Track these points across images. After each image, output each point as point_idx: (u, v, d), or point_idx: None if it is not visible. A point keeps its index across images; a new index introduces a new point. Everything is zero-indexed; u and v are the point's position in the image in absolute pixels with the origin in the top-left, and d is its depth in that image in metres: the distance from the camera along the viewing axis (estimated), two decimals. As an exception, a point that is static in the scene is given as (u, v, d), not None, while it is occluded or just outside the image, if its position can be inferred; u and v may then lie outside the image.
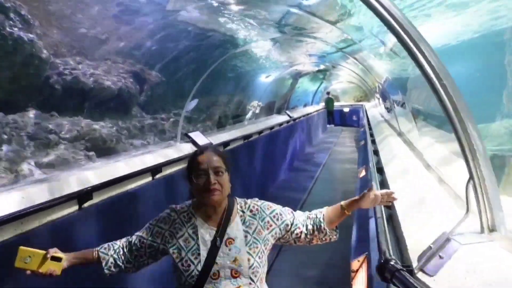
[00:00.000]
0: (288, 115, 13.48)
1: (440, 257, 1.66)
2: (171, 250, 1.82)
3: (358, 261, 2.74)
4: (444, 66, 1.63)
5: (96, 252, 1.88)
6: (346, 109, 25.69)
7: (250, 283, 1.78)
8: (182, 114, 5.96)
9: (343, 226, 2.07)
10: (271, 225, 1.91)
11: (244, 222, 1.88)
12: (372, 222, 2.85)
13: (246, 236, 1.84)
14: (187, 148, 5.79)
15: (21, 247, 1.65)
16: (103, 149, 4.85)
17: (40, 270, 1.66)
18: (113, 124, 5.27)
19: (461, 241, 1.71)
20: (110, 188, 3.81)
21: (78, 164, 4.37)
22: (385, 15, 1.66)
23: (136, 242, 1.90)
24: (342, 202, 1.99)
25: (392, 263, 1.69)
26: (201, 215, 1.88)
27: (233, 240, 1.82)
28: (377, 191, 1.95)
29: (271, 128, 10.52)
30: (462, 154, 1.70)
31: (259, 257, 1.82)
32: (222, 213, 1.87)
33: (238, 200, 1.98)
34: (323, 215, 1.99)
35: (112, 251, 1.89)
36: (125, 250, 1.91)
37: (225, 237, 1.82)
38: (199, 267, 1.75)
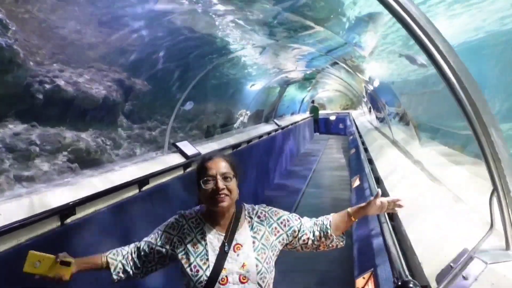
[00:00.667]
0: (276, 124, 13.35)
1: (464, 277, 1.51)
2: (179, 256, 1.82)
3: (364, 278, 2.58)
4: (465, 66, 1.49)
5: (105, 257, 1.86)
6: (333, 117, 25.73)
7: None
8: (169, 123, 5.76)
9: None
10: (278, 231, 1.92)
11: (252, 228, 1.89)
12: (375, 236, 2.70)
13: (254, 242, 1.84)
14: (175, 159, 5.58)
15: (31, 251, 1.64)
16: (87, 161, 4.60)
17: (50, 275, 1.65)
18: (97, 135, 5.03)
19: (486, 260, 1.55)
20: (94, 202, 3.59)
21: (61, 177, 4.12)
22: (399, 11, 1.51)
23: (144, 247, 1.90)
24: (349, 209, 1.99)
25: (411, 285, 1.52)
26: (209, 220, 1.89)
27: (241, 245, 1.82)
28: (383, 198, 1.94)
29: (260, 137, 10.37)
30: (485, 163, 1.55)
31: (267, 263, 1.82)
32: (231, 219, 1.88)
33: (246, 206, 1.99)
34: (330, 221, 1.99)
35: (121, 257, 1.88)
36: (133, 255, 1.90)
37: (233, 242, 1.82)
38: (208, 272, 1.74)
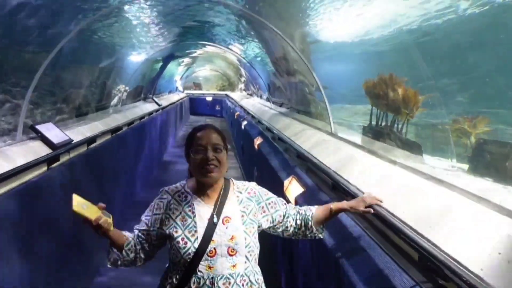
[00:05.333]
0: (156, 103, 11.77)
1: None
2: (167, 231, 1.81)
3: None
4: None
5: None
6: (209, 98, 24.81)
7: (245, 262, 1.80)
8: (26, 97, 3.98)
9: None
10: (265, 211, 1.96)
11: (240, 202, 1.90)
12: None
13: (242, 216, 1.86)
14: (34, 149, 3.87)
15: (74, 194, 1.66)
16: None
17: (97, 220, 1.65)
18: None
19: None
20: None
21: None
22: None
23: (140, 235, 1.88)
24: (332, 205, 2.04)
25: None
26: (197, 192, 1.89)
27: (230, 218, 1.83)
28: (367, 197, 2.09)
29: (141, 118, 8.78)
30: None
31: (255, 237, 1.86)
32: (219, 191, 1.89)
33: (235, 181, 2.00)
34: (312, 213, 2.03)
35: (130, 238, 1.87)
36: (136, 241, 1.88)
37: (222, 215, 1.82)
38: (196, 244, 1.74)
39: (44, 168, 3.86)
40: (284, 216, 2.00)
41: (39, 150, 3.92)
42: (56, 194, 3.93)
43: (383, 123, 3.68)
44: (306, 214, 2.02)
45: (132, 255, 1.84)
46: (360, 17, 3.41)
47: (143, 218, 1.91)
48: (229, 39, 9.23)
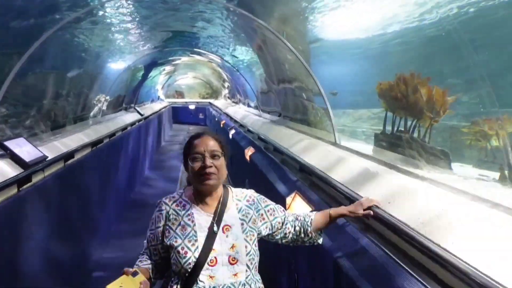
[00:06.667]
0: (139, 113, 11.24)
1: None
2: (168, 242, 1.76)
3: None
4: None
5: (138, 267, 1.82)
6: (192, 107, 24.36)
7: (246, 270, 1.77)
8: (-8, 109, 3.47)
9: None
10: (264, 219, 1.93)
11: (240, 210, 1.87)
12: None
13: (242, 224, 1.83)
14: (2, 169, 3.35)
15: (107, 286, 1.61)
16: None
17: None
18: None
19: None
20: None
21: None
22: None
23: (152, 251, 1.86)
24: (331, 211, 2.04)
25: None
26: (196, 201, 1.85)
27: (230, 227, 1.80)
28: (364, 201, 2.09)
29: (123, 129, 8.24)
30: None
31: (255, 245, 1.83)
32: (218, 200, 1.85)
33: (233, 189, 1.97)
34: (311, 219, 2.02)
35: (148, 261, 1.86)
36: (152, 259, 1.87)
37: (222, 223, 1.79)
38: (196, 254, 1.71)
39: (14, 191, 3.33)
40: (283, 223, 1.98)
41: (8, 170, 3.40)
42: (27, 219, 3.41)
43: (396, 129, 3.31)
44: (305, 220, 2.01)
45: (157, 276, 1.87)
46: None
47: (148, 233, 1.87)
48: (215, 45, 8.81)
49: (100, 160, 6.15)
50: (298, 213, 2.08)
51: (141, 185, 9.79)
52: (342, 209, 2.06)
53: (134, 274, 1.68)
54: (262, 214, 1.92)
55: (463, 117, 3.00)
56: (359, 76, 3.87)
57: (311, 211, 3.15)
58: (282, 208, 2.04)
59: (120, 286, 1.62)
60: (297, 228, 2.00)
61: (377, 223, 2.22)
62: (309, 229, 1.98)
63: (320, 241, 2.06)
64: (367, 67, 3.66)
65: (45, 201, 3.86)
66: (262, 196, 2.01)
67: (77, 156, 4.93)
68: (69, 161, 4.68)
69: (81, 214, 5.00)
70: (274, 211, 1.97)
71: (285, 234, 1.99)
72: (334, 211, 2.04)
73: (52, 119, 5.05)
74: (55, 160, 4.21)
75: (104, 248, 5.76)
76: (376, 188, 2.64)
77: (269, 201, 2.00)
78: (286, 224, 1.98)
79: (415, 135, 3.09)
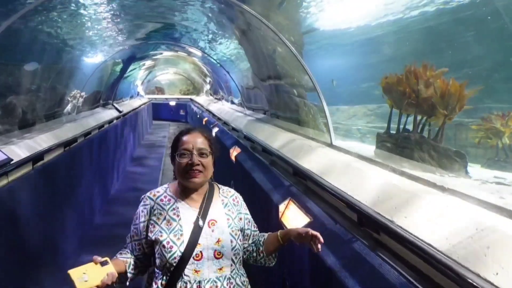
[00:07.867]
0: (117, 109, 10.73)
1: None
2: (153, 237, 1.75)
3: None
4: None
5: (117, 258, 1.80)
6: (173, 103, 23.86)
7: (231, 265, 1.78)
8: None
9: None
10: (241, 224, 1.92)
11: (226, 206, 1.89)
12: None
13: (228, 219, 1.84)
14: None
15: (69, 271, 1.54)
16: None
17: (104, 281, 1.55)
18: None
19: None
20: None
21: None
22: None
23: (134, 247, 1.84)
24: (279, 232, 1.95)
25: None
26: (182, 196, 1.85)
27: (216, 221, 1.80)
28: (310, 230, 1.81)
29: (100, 127, 7.76)
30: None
31: (240, 240, 1.84)
32: (204, 195, 1.86)
33: (220, 186, 1.99)
34: (264, 239, 1.99)
35: (129, 254, 1.84)
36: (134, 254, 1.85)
37: (208, 218, 1.80)
38: (182, 248, 1.70)
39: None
40: (249, 237, 1.97)
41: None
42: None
43: (403, 128, 3.02)
44: (259, 239, 2.00)
45: (136, 271, 1.83)
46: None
47: (132, 228, 1.85)
48: (196, 37, 8.40)
49: (75, 160, 5.69)
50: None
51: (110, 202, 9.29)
52: (290, 230, 1.90)
53: (104, 263, 1.61)
54: (241, 219, 1.92)
55: (464, 112, 2.75)
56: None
57: (308, 222, 2.87)
58: (256, 226, 2.03)
59: (84, 273, 1.56)
60: (253, 246, 1.99)
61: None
62: (261, 248, 1.97)
63: (272, 264, 2.01)
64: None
65: (10, 209, 3.43)
66: (245, 204, 2.01)
67: (47, 157, 4.48)
68: (39, 163, 4.23)
69: (51, 221, 4.55)
70: (249, 222, 1.97)
71: (246, 248, 1.98)
72: (281, 231, 1.94)
73: (20, 117, 4.58)
74: (22, 163, 3.76)
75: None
76: (418, 211, 2.04)
77: (248, 213, 2.01)
78: (249, 239, 1.97)
79: (425, 134, 2.81)
